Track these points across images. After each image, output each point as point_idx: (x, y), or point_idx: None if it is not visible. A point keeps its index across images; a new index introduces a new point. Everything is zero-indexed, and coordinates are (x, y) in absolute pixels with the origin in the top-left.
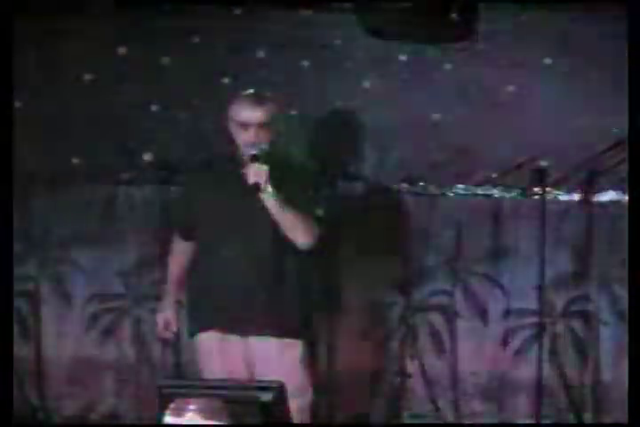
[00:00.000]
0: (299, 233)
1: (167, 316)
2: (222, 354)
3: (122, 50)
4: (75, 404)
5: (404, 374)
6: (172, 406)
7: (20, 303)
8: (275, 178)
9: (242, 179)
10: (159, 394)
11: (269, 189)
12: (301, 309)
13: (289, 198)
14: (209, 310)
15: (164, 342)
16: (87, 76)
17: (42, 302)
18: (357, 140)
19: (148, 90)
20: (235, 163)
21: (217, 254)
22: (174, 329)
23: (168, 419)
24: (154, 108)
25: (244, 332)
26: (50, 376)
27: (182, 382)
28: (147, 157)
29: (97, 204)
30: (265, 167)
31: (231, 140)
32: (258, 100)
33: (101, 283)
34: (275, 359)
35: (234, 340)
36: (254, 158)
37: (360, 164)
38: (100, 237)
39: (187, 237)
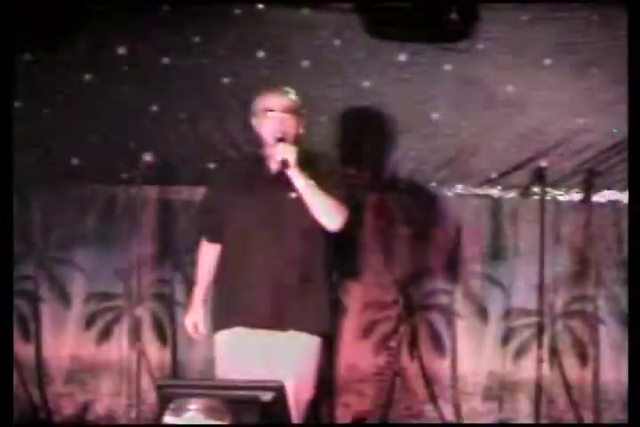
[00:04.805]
0: (329, 214)
1: (195, 318)
2: (243, 353)
3: (122, 50)
4: (74, 403)
5: (403, 373)
6: (171, 406)
7: (19, 303)
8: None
9: (268, 177)
10: (159, 394)
11: (298, 168)
12: (327, 306)
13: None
14: (235, 309)
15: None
16: (87, 76)
17: (41, 301)
18: (357, 139)
19: (148, 90)
20: (261, 162)
21: (245, 254)
22: (203, 331)
23: (168, 419)
24: (154, 108)
25: (269, 329)
26: (49, 375)
27: (182, 382)
28: (147, 157)
29: (97, 204)
30: (293, 147)
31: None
32: (281, 89)
33: (100, 282)
34: (296, 356)
35: (257, 338)
36: (281, 140)
37: (360, 164)
38: (99, 237)
39: (214, 239)
